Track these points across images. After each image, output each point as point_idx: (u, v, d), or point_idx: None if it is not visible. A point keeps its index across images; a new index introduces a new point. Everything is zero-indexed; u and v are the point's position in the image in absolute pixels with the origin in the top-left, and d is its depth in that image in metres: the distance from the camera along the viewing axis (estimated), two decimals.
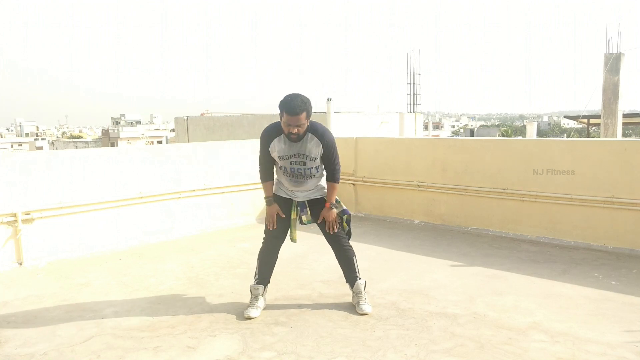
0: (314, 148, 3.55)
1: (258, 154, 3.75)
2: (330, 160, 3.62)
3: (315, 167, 3.62)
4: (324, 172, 3.76)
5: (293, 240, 3.81)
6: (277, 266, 3.89)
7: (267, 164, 3.73)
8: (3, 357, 3.16)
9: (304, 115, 3.41)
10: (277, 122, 3.59)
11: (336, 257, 3.89)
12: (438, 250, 5.39)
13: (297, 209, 3.74)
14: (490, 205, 6.11)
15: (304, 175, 3.65)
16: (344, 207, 3.78)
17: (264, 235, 3.85)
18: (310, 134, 3.54)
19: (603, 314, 3.66)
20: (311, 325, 3.54)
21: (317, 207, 3.75)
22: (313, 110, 3.59)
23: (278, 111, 3.52)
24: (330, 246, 3.87)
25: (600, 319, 3.56)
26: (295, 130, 3.44)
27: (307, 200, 3.76)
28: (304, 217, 3.74)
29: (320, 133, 3.55)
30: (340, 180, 3.73)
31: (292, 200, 3.74)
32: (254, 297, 3.79)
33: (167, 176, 6.09)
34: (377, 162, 7.14)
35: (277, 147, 3.58)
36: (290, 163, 3.60)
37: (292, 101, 3.40)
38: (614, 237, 5.28)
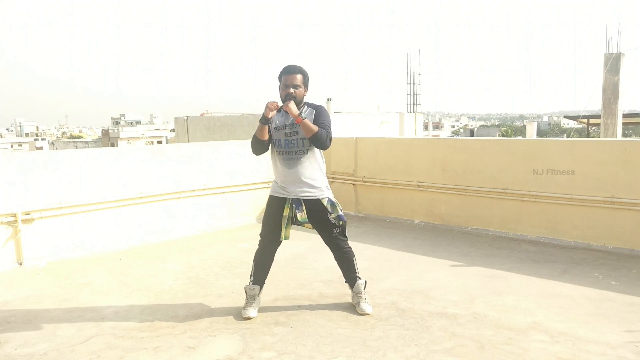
0: (308, 115, 3.64)
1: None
2: (320, 123, 3.58)
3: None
4: (322, 163, 3.74)
5: (285, 238, 3.73)
6: (277, 266, 3.88)
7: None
8: (3, 357, 3.16)
9: (300, 76, 3.61)
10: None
11: (335, 259, 3.88)
12: (438, 250, 5.39)
13: (291, 207, 3.67)
14: (491, 205, 6.12)
15: (297, 147, 3.62)
16: (340, 213, 3.73)
17: (259, 238, 3.85)
18: (306, 106, 3.70)
19: (603, 314, 3.66)
20: (311, 325, 3.54)
21: (313, 212, 3.69)
22: None
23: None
24: (329, 248, 3.86)
25: (600, 319, 3.56)
26: (291, 91, 3.58)
27: (303, 201, 3.69)
28: (299, 215, 3.66)
29: (315, 105, 3.73)
30: (331, 143, 3.61)
31: (287, 198, 3.69)
32: (251, 297, 3.78)
33: (167, 176, 6.09)
34: (377, 162, 7.15)
35: (275, 119, 3.69)
36: (285, 134, 3.64)
37: (290, 64, 3.69)
38: (614, 237, 5.28)
